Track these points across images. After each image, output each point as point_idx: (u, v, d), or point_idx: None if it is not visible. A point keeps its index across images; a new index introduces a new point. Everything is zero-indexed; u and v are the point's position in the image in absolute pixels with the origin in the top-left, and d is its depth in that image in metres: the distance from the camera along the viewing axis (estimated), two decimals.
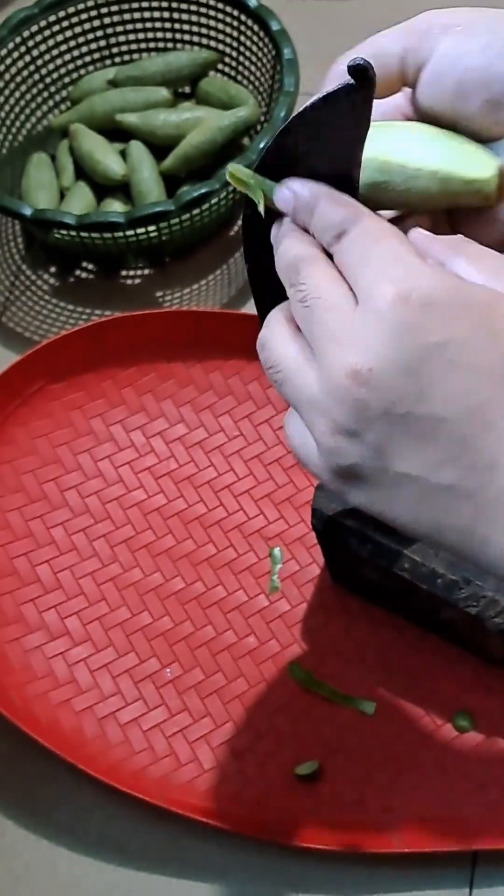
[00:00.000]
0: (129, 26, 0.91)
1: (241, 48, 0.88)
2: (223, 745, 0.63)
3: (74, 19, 0.89)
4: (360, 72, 0.36)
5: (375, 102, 0.38)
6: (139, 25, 0.91)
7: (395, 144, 0.40)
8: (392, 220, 0.42)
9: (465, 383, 0.35)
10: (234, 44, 0.89)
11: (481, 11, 0.40)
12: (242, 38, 0.88)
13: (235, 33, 0.88)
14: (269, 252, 0.41)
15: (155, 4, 0.90)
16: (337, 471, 0.38)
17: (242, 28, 0.87)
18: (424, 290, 0.35)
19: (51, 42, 0.89)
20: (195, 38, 0.91)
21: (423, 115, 0.42)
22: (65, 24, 0.89)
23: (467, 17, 0.40)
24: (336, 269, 0.38)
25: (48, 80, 0.90)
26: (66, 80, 0.91)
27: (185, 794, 0.61)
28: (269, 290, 0.41)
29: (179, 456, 0.73)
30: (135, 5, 0.90)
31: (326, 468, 0.38)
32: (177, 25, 0.91)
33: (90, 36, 0.91)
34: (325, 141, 0.39)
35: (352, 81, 0.36)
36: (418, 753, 0.62)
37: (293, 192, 0.40)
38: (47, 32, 0.89)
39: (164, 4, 0.90)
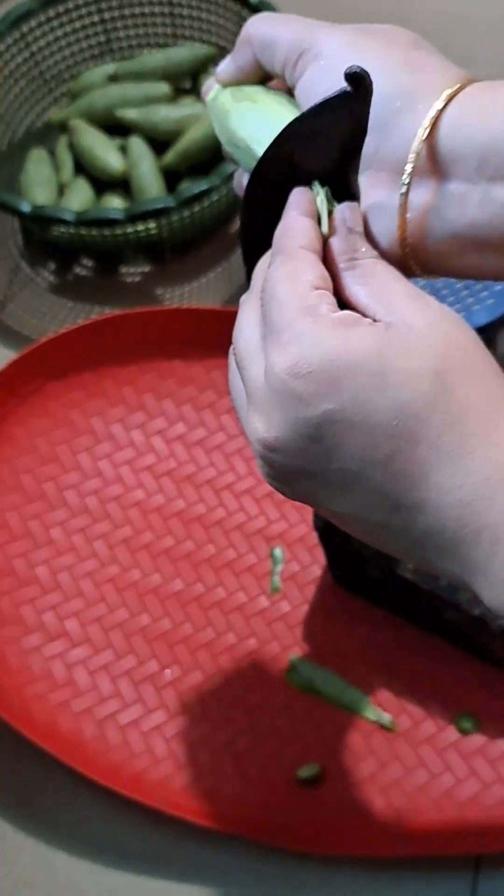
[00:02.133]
0: (129, 21, 0.91)
1: None
2: (223, 748, 0.63)
3: (74, 14, 0.89)
4: (357, 79, 0.36)
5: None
6: (139, 20, 0.91)
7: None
8: None
9: (365, 440, 0.35)
10: (235, 38, 0.88)
11: (360, 47, 0.40)
12: None
13: (236, 28, 0.87)
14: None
15: None
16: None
17: (243, 23, 0.86)
18: (309, 358, 0.35)
19: (50, 37, 0.89)
20: (195, 33, 0.90)
21: None
22: (64, 18, 0.89)
23: (338, 50, 0.40)
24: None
25: (48, 75, 0.90)
26: (66, 75, 0.91)
27: (185, 797, 0.61)
28: None
29: (179, 455, 0.73)
30: (135, 0, 0.90)
31: None
32: (177, 20, 0.90)
33: (90, 31, 0.90)
34: (321, 147, 0.39)
35: (348, 88, 0.36)
36: (421, 756, 0.62)
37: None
38: (47, 27, 0.88)
39: None
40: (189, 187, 0.75)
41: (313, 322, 0.36)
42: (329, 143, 0.39)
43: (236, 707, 0.64)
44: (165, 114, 0.85)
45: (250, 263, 0.42)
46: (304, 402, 0.36)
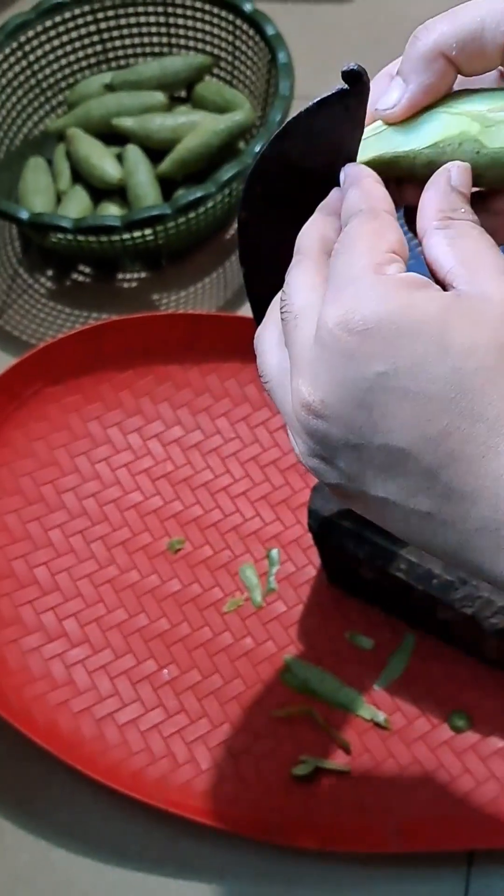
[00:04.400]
0: (125, 31, 0.91)
1: (237, 52, 0.89)
2: (221, 745, 0.63)
3: (71, 24, 0.90)
4: (354, 77, 0.36)
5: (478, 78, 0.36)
6: (135, 30, 0.91)
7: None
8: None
9: (419, 412, 0.32)
10: (230, 48, 0.89)
11: None
12: (238, 43, 0.88)
13: (231, 38, 0.88)
14: (264, 256, 0.41)
15: (150, 9, 0.90)
16: (327, 485, 0.37)
17: (238, 32, 0.87)
18: (366, 313, 0.33)
19: (47, 47, 0.89)
20: (191, 43, 0.91)
21: None
22: (61, 29, 0.89)
23: None
24: (324, 270, 0.37)
25: (45, 84, 0.91)
26: (63, 84, 0.92)
27: (183, 794, 0.62)
28: (265, 295, 0.41)
29: (176, 458, 0.73)
30: (130, 10, 0.90)
31: (320, 481, 0.37)
32: (172, 30, 0.91)
33: (86, 41, 0.91)
34: (320, 145, 0.39)
35: (345, 86, 0.37)
36: (415, 753, 0.62)
37: (345, 172, 0.38)
38: (44, 37, 0.89)
39: (160, 9, 0.90)
40: (185, 195, 0.75)
41: (378, 279, 0.33)
42: (327, 140, 0.38)
43: (233, 706, 0.64)
44: (161, 122, 0.86)
45: (248, 264, 0.42)
46: (355, 361, 0.33)
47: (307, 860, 0.60)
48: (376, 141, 0.39)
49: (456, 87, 0.39)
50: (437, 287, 0.34)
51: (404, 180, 0.40)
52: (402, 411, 0.33)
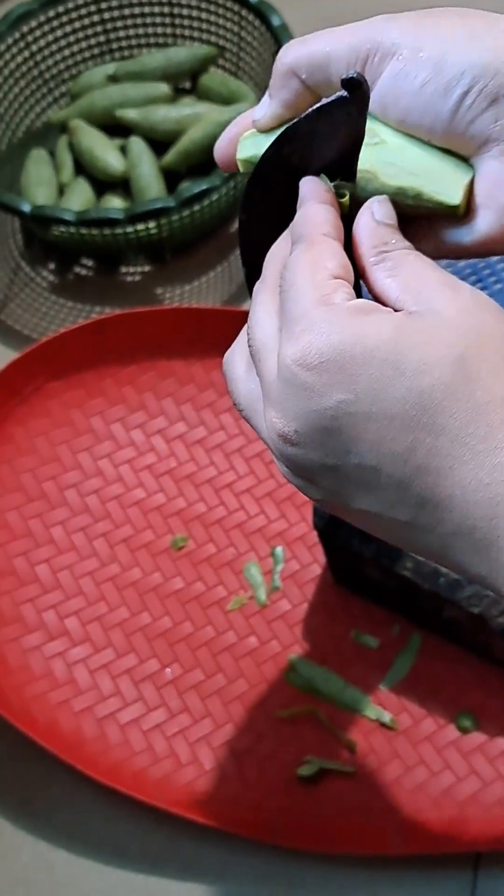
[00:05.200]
0: (129, 21, 0.91)
1: (242, 43, 0.88)
2: (224, 746, 0.63)
3: (74, 14, 0.89)
4: (354, 85, 0.37)
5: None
6: (139, 21, 0.91)
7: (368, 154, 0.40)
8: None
9: (384, 432, 0.34)
10: (235, 39, 0.88)
11: (434, 27, 0.37)
12: (243, 34, 0.87)
13: (236, 28, 0.88)
14: (264, 258, 0.41)
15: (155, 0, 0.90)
16: (312, 500, 0.38)
17: (243, 23, 0.87)
18: (321, 347, 0.34)
19: (50, 37, 0.89)
20: (195, 34, 0.90)
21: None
22: (64, 19, 0.89)
23: (413, 38, 0.37)
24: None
25: (47, 75, 0.90)
26: (66, 75, 0.91)
27: (185, 795, 0.61)
28: None
29: (180, 454, 0.73)
30: (134, 0, 0.90)
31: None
32: (177, 20, 0.90)
33: (90, 31, 0.90)
34: (319, 152, 0.39)
35: (345, 94, 0.37)
36: (421, 754, 0.62)
37: (300, 190, 0.40)
38: (47, 27, 0.88)
39: (164, 0, 0.89)
40: (189, 187, 0.75)
41: (327, 311, 0.35)
42: (327, 146, 0.39)
43: (236, 706, 0.64)
44: (165, 114, 0.85)
45: (249, 265, 0.43)
46: (316, 393, 0.34)
47: (311, 862, 0.60)
48: (252, 144, 0.42)
49: None
50: (388, 309, 0.35)
51: None
52: (368, 433, 0.34)
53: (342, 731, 0.62)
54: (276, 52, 0.82)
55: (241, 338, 0.41)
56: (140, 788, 0.61)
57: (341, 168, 0.40)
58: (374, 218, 0.38)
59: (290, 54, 0.40)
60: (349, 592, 0.67)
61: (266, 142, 0.40)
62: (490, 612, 0.59)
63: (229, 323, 0.74)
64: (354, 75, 0.36)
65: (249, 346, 0.38)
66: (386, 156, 0.39)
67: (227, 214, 0.85)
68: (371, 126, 0.39)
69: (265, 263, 0.40)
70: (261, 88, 0.86)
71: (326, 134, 0.38)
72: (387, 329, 0.34)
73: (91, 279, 0.85)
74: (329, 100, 0.37)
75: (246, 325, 0.40)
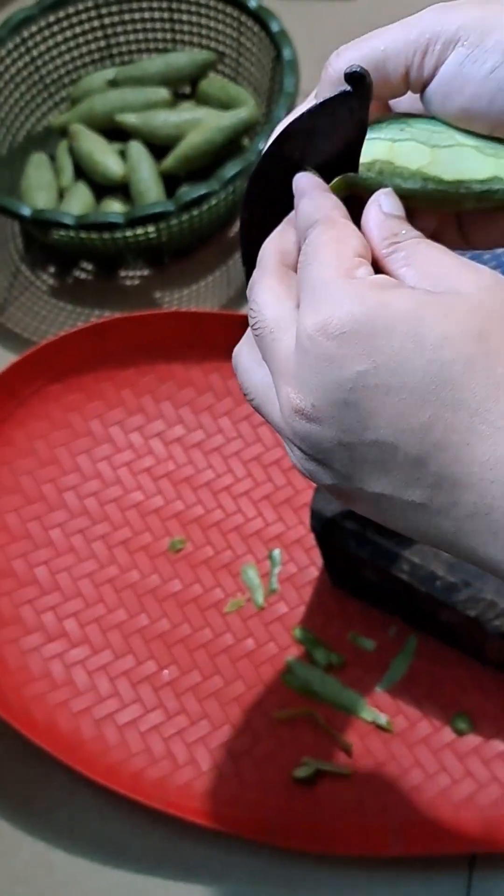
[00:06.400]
0: (129, 27, 0.91)
1: (241, 49, 0.88)
2: (221, 747, 0.63)
3: (74, 19, 0.89)
4: (357, 79, 0.36)
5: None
6: (139, 26, 0.91)
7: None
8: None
9: (402, 406, 0.34)
10: (234, 44, 0.89)
11: (497, 14, 0.37)
12: (242, 39, 0.88)
13: (235, 34, 0.88)
14: None
15: (155, 5, 0.90)
16: (324, 487, 0.38)
17: (242, 29, 0.87)
18: (343, 317, 0.34)
19: (51, 42, 0.89)
20: (195, 39, 0.91)
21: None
22: (64, 24, 0.89)
23: (479, 24, 0.36)
24: (287, 281, 0.38)
25: (48, 80, 0.90)
26: (66, 80, 0.91)
27: (183, 796, 0.61)
28: None
29: (178, 457, 0.73)
30: (135, 6, 0.90)
31: (317, 484, 0.38)
32: (177, 26, 0.91)
33: (90, 36, 0.91)
34: (322, 146, 0.39)
35: (348, 88, 0.37)
36: (417, 756, 0.62)
37: (295, 184, 0.39)
38: (47, 32, 0.89)
39: (164, 5, 0.90)
40: (188, 192, 0.75)
41: (350, 283, 0.35)
42: (330, 141, 0.39)
43: (234, 707, 0.64)
44: (165, 119, 0.86)
45: (250, 263, 0.42)
46: (336, 363, 0.34)
47: (307, 863, 0.60)
48: None
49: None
50: (410, 286, 0.35)
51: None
52: (386, 406, 0.34)
53: (339, 733, 0.63)
54: (276, 57, 0.83)
55: (249, 331, 0.40)
56: (138, 789, 0.61)
57: (343, 164, 0.39)
58: (382, 210, 0.38)
59: (344, 59, 0.38)
60: (346, 595, 0.67)
61: None
62: (486, 615, 0.59)
63: (228, 327, 0.74)
64: (358, 69, 0.36)
65: (257, 332, 0.38)
66: (457, 155, 0.39)
67: (225, 219, 0.86)
68: (431, 128, 0.39)
69: (261, 252, 0.40)
70: (260, 94, 0.87)
71: (328, 130, 0.38)
72: (409, 303, 0.34)
73: (90, 283, 0.86)
74: (331, 94, 0.37)
75: (249, 314, 0.39)
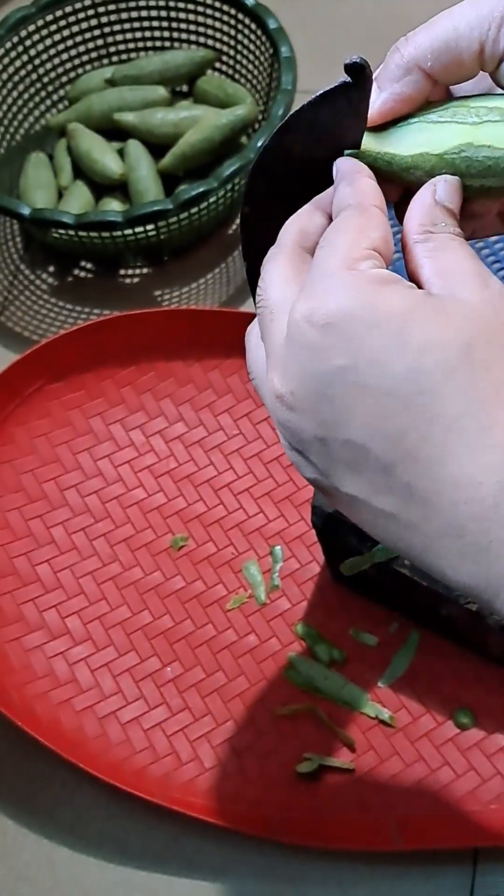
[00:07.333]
0: (127, 25, 0.91)
1: (239, 46, 0.88)
2: (224, 743, 0.63)
3: (72, 18, 0.89)
4: (357, 69, 0.36)
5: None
6: (136, 24, 0.91)
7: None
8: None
9: (378, 408, 0.32)
10: (232, 42, 0.89)
11: None
12: (240, 37, 0.88)
13: (233, 32, 0.88)
14: (267, 251, 0.41)
15: (152, 3, 0.90)
16: (307, 480, 0.37)
17: (240, 27, 0.87)
18: (331, 307, 0.33)
19: (48, 41, 0.89)
20: (192, 37, 0.91)
21: None
22: (62, 23, 0.89)
23: None
24: (298, 264, 0.37)
25: (46, 79, 0.90)
26: (64, 79, 0.92)
27: (186, 792, 0.61)
28: None
29: (179, 454, 0.73)
30: (132, 4, 0.90)
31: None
32: (174, 24, 0.91)
33: (87, 35, 0.91)
34: (323, 138, 0.39)
35: (348, 79, 0.37)
36: (419, 751, 0.62)
37: (337, 167, 0.39)
38: (45, 32, 0.89)
39: (162, 3, 0.90)
40: (187, 190, 0.75)
41: (347, 274, 0.34)
42: (330, 133, 0.38)
43: (236, 703, 0.64)
44: (163, 117, 0.86)
45: (250, 258, 0.42)
46: (318, 354, 0.33)
47: (311, 858, 0.60)
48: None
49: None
50: (410, 284, 0.34)
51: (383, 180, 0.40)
52: (361, 406, 0.33)
53: (341, 729, 0.63)
54: (273, 54, 0.83)
55: None
56: (141, 786, 0.61)
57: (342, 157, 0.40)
58: (435, 196, 0.37)
59: (413, 44, 0.37)
60: (348, 591, 0.67)
61: (374, 141, 0.39)
62: (487, 610, 0.59)
63: (228, 324, 0.74)
64: (357, 60, 0.36)
65: (260, 311, 0.37)
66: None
67: (224, 217, 0.86)
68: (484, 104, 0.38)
69: (282, 231, 0.39)
70: (258, 91, 0.87)
71: (329, 121, 0.38)
72: (401, 302, 0.33)
73: (90, 282, 0.86)
74: (331, 86, 0.37)
75: (258, 290, 0.38)
